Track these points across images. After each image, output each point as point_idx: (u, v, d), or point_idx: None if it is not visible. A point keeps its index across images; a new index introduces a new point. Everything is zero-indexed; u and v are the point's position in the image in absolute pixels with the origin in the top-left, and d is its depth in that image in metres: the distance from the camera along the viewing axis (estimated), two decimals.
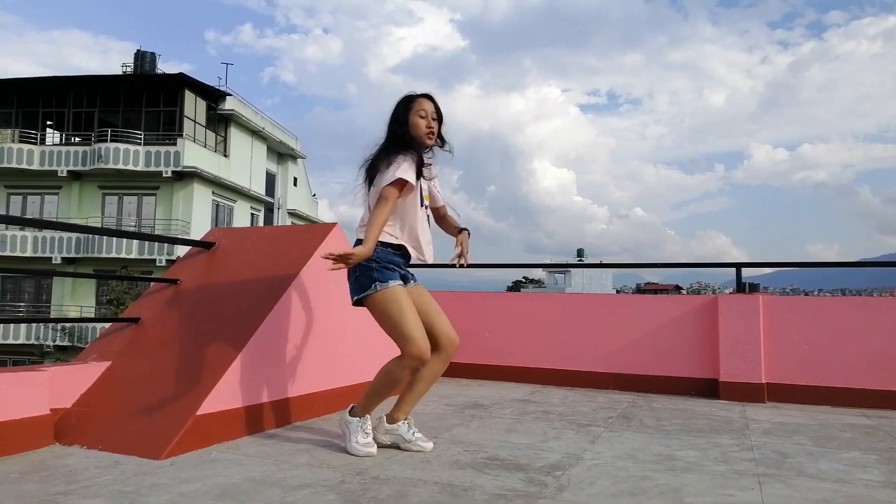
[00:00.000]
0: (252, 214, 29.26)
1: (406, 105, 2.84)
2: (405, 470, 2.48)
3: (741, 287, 4.91)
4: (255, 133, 28.93)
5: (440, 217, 3.13)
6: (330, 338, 3.76)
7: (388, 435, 2.82)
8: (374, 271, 2.70)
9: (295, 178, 33.10)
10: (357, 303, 2.81)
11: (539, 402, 4.23)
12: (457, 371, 5.33)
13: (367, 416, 2.76)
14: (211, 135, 26.47)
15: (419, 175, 2.78)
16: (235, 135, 27.64)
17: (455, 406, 3.98)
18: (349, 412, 2.79)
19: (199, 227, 23.68)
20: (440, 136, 2.89)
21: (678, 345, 4.78)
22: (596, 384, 4.89)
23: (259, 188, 29.41)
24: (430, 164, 2.92)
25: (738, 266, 4.88)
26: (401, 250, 2.81)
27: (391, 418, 2.83)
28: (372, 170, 2.80)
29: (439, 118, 2.88)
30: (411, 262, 2.90)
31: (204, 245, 4.05)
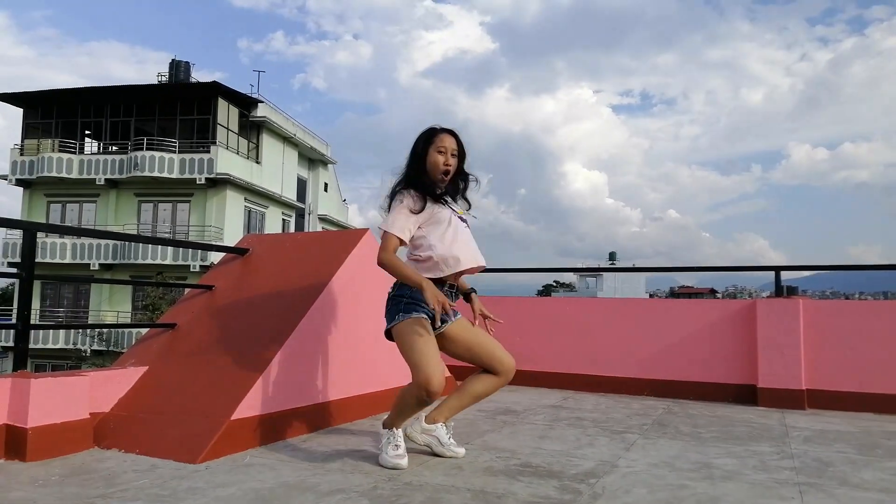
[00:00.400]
0: (283, 220, 29.61)
1: (427, 139, 2.80)
2: (437, 476, 2.47)
3: (780, 290, 4.80)
4: (287, 139, 29.29)
5: None
6: (362, 343, 3.77)
7: (425, 434, 2.79)
8: (401, 303, 2.71)
9: (325, 184, 33.42)
10: (388, 335, 2.81)
11: (572, 408, 4.19)
12: None
13: (397, 429, 2.70)
14: (243, 142, 26.88)
15: (429, 197, 2.75)
16: (267, 141, 28.02)
17: (487, 412, 3.96)
18: (382, 423, 2.76)
19: (232, 234, 24.05)
20: (462, 173, 2.86)
21: (715, 350, 4.69)
22: (630, 390, 4.83)
23: (290, 194, 29.76)
24: (454, 198, 2.88)
25: (777, 269, 4.77)
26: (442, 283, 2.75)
27: (431, 418, 2.80)
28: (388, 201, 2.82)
29: (461, 154, 2.82)
30: (458, 281, 2.87)
31: (238, 251, 4.11)
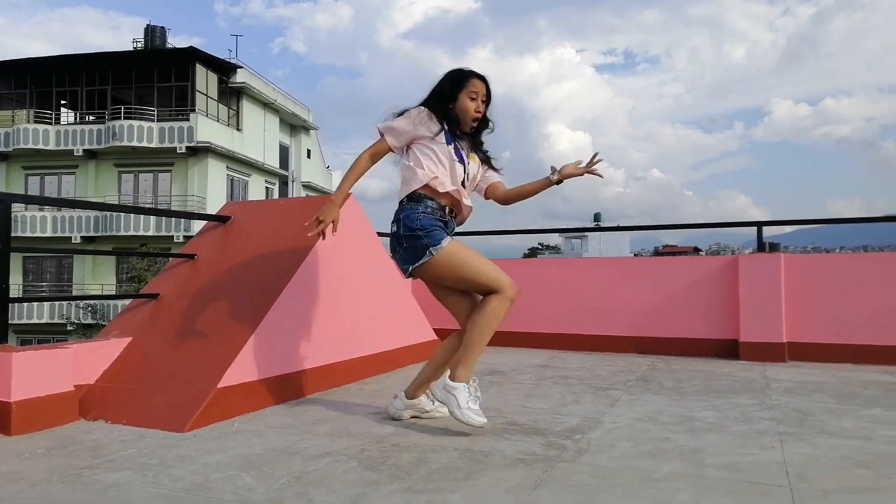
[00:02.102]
0: (267, 188, 29.34)
1: (458, 82, 2.68)
2: (425, 437, 2.49)
3: (762, 246, 4.84)
4: (267, 105, 28.83)
5: (505, 196, 2.90)
6: (347, 308, 3.77)
7: (408, 410, 2.76)
8: (420, 239, 2.56)
9: (308, 150, 33.05)
10: (410, 275, 2.66)
11: (558, 367, 4.24)
12: None
13: (475, 377, 2.59)
14: (223, 109, 26.42)
15: (446, 128, 2.64)
16: (248, 108, 27.57)
17: (474, 373, 3.98)
18: (450, 377, 2.57)
19: (215, 202, 23.82)
20: (486, 119, 2.76)
21: (698, 306, 4.74)
22: (615, 348, 4.89)
23: (273, 161, 29.43)
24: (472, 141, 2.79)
25: (759, 225, 4.81)
26: (442, 209, 2.65)
27: (453, 376, 2.59)
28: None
29: (489, 101, 2.73)
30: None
31: (219, 219, 4.06)
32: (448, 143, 2.65)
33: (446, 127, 2.66)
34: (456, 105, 2.67)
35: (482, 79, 2.70)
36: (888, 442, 2.38)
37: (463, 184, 2.70)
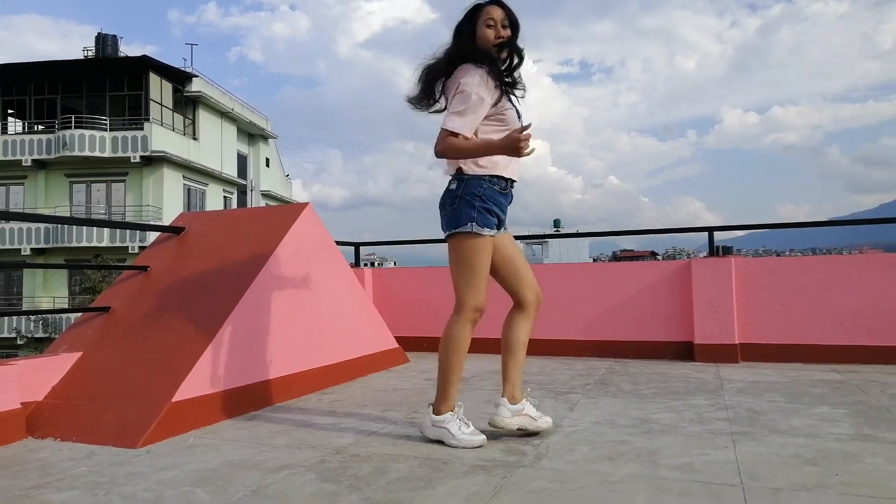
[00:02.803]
0: (225, 197, 28.87)
1: (470, 17, 2.50)
2: (385, 446, 2.48)
3: (714, 251, 4.96)
4: (224, 114, 28.42)
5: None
6: (306, 319, 3.73)
7: (517, 417, 2.56)
8: (474, 209, 2.44)
9: (267, 159, 32.67)
10: (449, 237, 2.56)
11: None
12: (436, 346, 5.33)
13: (458, 403, 2.55)
14: (179, 118, 25.95)
15: (504, 89, 2.47)
16: (204, 117, 27.12)
17: (435, 380, 3.98)
18: (433, 412, 2.51)
19: (171, 213, 23.32)
20: (516, 48, 2.53)
21: (654, 310, 4.83)
22: (574, 352, 4.94)
23: (231, 170, 28.99)
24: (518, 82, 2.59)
25: (711, 230, 4.93)
26: (506, 183, 2.52)
27: (513, 398, 2.60)
28: (429, 85, 2.54)
29: (513, 26, 2.51)
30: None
31: (173, 230, 3.99)
32: (510, 107, 2.52)
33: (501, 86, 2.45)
34: (476, 41, 2.48)
35: (497, 2, 2.51)
36: (835, 439, 2.46)
37: None
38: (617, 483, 2.01)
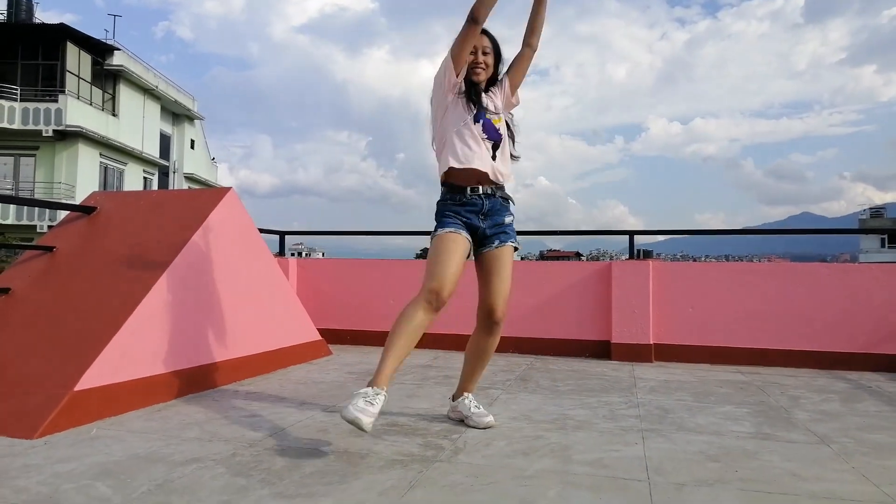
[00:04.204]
0: (145, 178, 27.67)
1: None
2: (300, 440, 2.43)
3: (634, 254, 5.13)
4: (148, 91, 27.20)
5: (528, 45, 2.76)
6: (224, 307, 3.62)
7: (452, 412, 2.82)
8: (437, 214, 2.65)
9: (192, 141, 31.50)
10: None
11: (441, 367, 4.28)
12: (361, 339, 5.30)
13: (379, 386, 2.32)
14: (98, 92, 24.64)
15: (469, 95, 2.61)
16: (125, 93, 25.87)
17: (357, 374, 3.95)
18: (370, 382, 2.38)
19: (85, 192, 22.12)
20: (496, 71, 2.71)
21: (575, 309, 4.95)
22: (497, 348, 4.99)
23: (152, 150, 27.80)
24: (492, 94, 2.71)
25: (631, 234, 5.10)
26: (459, 191, 2.61)
27: (455, 395, 2.85)
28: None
29: (496, 53, 2.68)
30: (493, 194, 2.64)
31: (83, 210, 3.78)
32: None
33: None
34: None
35: (481, 31, 2.62)
36: (736, 437, 2.58)
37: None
38: (530, 478, 2.04)
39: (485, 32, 2.65)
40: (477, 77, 2.66)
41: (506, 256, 2.66)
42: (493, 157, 2.64)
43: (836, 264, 5.07)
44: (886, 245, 50.01)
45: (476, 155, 2.59)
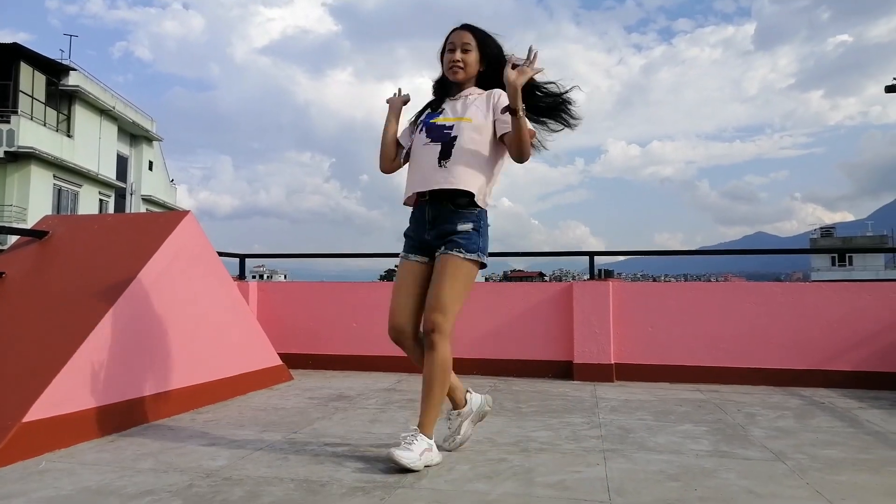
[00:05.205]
0: (101, 201, 27.05)
1: (441, 48, 2.62)
2: (260, 468, 2.38)
3: (595, 274, 5.20)
4: (105, 112, 26.71)
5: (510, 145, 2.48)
6: (182, 333, 3.54)
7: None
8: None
9: (150, 162, 30.97)
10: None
11: (405, 390, 4.25)
12: (323, 363, 5.23)
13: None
14: (52, 112, 24.10)
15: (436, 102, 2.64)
16: (81, 113, 25.36)
17: (319, 399, 3.90)
18: (425, 432, 2.41)
19: (38, 215, 21.49)
20: (489, 64, 2.56)
21: (538, 330, 4.98)
22: (460, 370, 4.93)
23: (109, 172, 27.22)
24: (468, 94, 2.59)
25: (591, 255, 5.17)
26: (415, 206, 2.61)
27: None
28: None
29: (481, 45, 2.54)
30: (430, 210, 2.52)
31: (35, 234, 3.68)
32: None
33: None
34: (442, 63, 2.62)
35: (462, 27, 2.57)
36: (695, 455, 2.62)
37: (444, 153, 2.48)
38: (493, 502, 2.03)
39: (468, 27, 2.57)
40: (455, 76, 2.56)
41: (443, 265, 2.44)
42: (441, 161, 2.47)
43: (789, 283, 5.23)
44: (836, 263, 51.71)
45: (415, 168, 2.55)
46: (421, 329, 2.55)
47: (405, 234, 2.63)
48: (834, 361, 4.51)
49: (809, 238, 62.13)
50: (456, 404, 2.74)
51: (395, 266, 2.64)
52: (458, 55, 2.54)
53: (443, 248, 2.47)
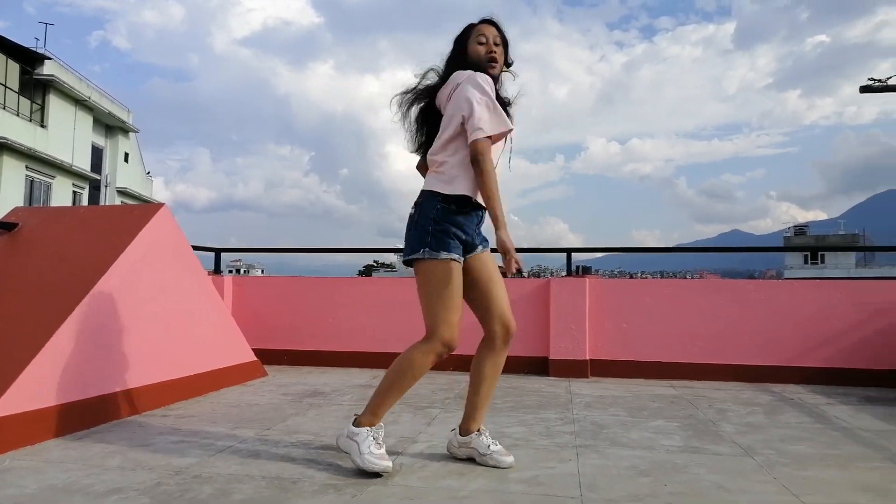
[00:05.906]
0: (75, 193, 26.57)
1: (463, 35, 2.46)
2: (230, 466, 2.36)
3: (572, 270, 5.22)
4: (80, 102, 26.22)
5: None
6: (154, 328, 3.49)
7: (463, 448, 2.47)
8: (427, 234, 2.30)
9: (126, 154, 30.48)
10: (406, 263, 2.41)
11: None
12: (299, 359, 5.20)
13: (380, 423, 2.35)
14: (25, 102, 23.59)
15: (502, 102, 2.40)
16: (55, 103, 24.86)
17: (293, 395, 3.87)
18: (353, 423, 2.34)
19: (9, 206, 21.06)
20: (508, 65, 2.51)
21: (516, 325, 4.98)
22: (437, 366, 4.97)
23: (83, 163, 26.74)
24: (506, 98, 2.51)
25: (569, 251, 5.19)
26: (466, 204, 2.35)
27: (464, 430, 2.50)
28: (429, 97, 2.47)
29: (504, 43, 2.48)
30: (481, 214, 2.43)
31: (4, 226, 3.61)
32: None
33: None
34: (467, 54, 2.43)
35: (488, 21, 2.48)
36: (666, 451, 2.64)
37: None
38: (464, 498, 2.03)
39: (491, 22, 2.48)
40: (493, 70, 2.44)
41: (493, 262, 2.50)
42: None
43: (762, 281, 5.29)
44: (809, 262, 52.54)
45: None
46: (495, 330, 2.60)
47: (449, 234, 2.32)
48: (805, 358, 4.58)
49: (783, 236, 63.05)
50: (467, 430, 2.53)
51: (427, 257, 2.31)
52: (495, 48, 2.45)
53: (483, 244, 2.48)
